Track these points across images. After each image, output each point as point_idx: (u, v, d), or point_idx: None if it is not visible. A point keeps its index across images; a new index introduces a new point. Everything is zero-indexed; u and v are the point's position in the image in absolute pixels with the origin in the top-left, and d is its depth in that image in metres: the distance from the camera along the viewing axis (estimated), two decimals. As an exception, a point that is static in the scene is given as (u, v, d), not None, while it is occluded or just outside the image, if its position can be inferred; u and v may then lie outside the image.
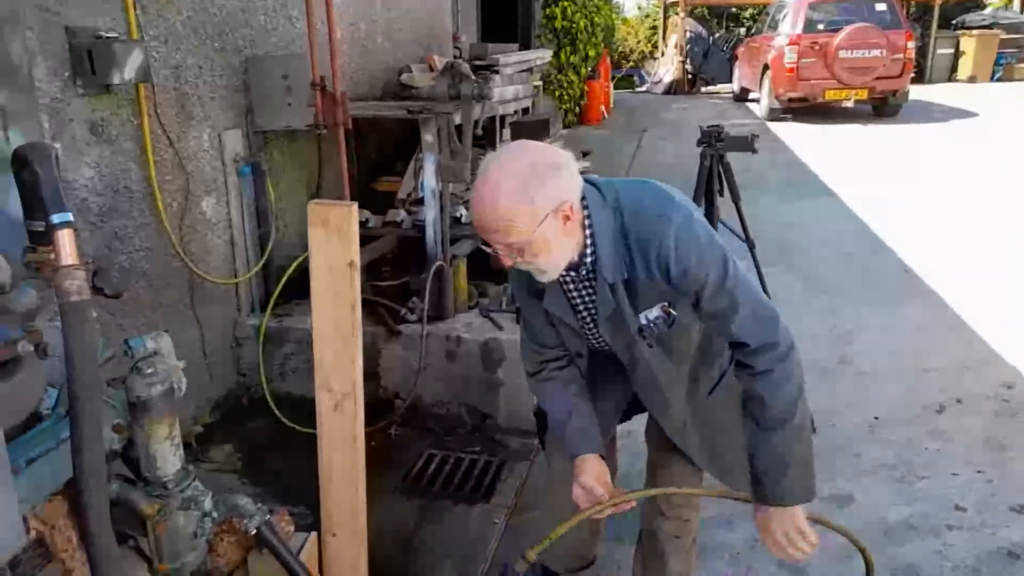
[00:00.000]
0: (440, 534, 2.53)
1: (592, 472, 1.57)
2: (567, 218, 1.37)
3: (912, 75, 10.71)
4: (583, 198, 1.43)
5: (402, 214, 3.80)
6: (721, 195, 3.03)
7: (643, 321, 1.51)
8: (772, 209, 6.14)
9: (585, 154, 5.45)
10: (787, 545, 1.49)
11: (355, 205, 1.61)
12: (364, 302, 1.73)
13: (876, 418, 3.11)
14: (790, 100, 10.57)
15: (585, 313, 1.57)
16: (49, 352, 1.28)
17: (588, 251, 1.45)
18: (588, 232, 1.43)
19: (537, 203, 1.33)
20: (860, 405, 3.21)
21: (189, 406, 3.05)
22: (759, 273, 3.04)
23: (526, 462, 2.89)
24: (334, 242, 1.58)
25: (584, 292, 1.54)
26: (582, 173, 1.45)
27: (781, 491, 1.47)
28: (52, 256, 1.19)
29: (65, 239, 1.16)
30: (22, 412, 1.26)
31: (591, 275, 1.48)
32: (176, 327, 2.93)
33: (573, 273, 1.50)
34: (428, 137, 3.19)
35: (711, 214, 3.02)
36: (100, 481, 1.14)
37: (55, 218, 1.16)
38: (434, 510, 2.67)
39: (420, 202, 3.78)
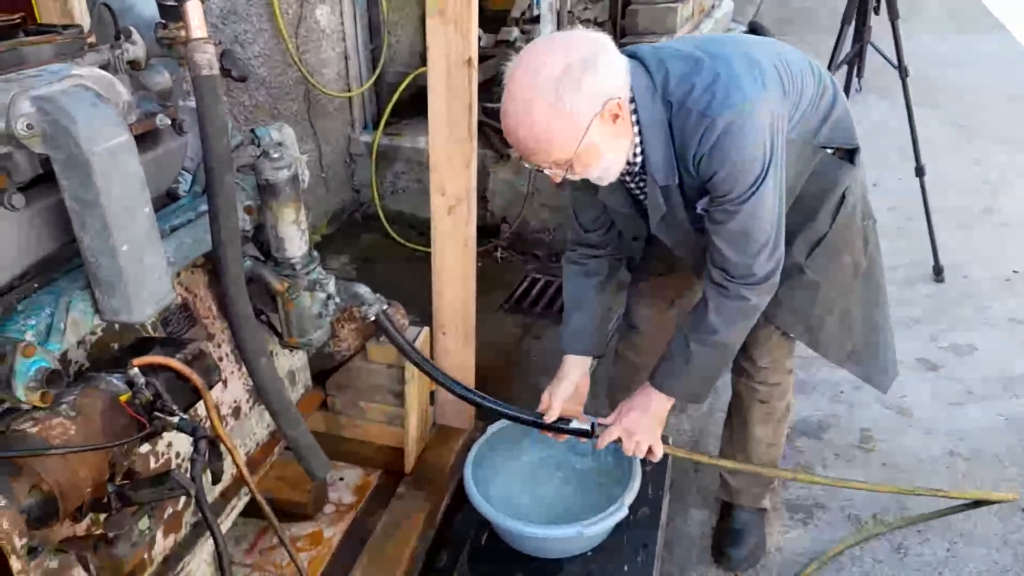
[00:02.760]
0: (540, 350, 2.63)
1: (571, 382, 1.59)
2: (616, 116, 1.20)
3: None
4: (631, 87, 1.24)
5: (515, 32, 3.62)
6: (876, 13, 2.67)
7: (699, 210, 1.36)
8: (930, 45, 5.44)
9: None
10: (628, 439, 1.50)
11: (475, -6, 1.51)
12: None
13: (1015, 271, 2.87)
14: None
15: (646, 204, 1.42)
16: (185, 129, 1.34)
17: (637, 150, 1.28)
18: (636, 129, 1.26)
19: (578, 110, 1.16)
20: (999, 258, 2.97)
21: (308, 214, 3.22)
22: (908, 108, 2.73)
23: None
24: (451, 34, 1.51)
25: (643, 184, 1.38)
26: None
27: (666, 379, 1.47)
28: (183, 32, 1.20)
29: (194, 10, 1.15)
30: (163, 183, 1.34)
31: (643, 173, 1.33)
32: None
33: (627, 166, 1.33)
34: (548, -59, 2.94)
35: (862, 33, 2.68)
36: (236, 245, 1.21)
37: (183, -13, 1.16)
38: (535, 328, 2.77)
39: (535, 20, 3.58)
